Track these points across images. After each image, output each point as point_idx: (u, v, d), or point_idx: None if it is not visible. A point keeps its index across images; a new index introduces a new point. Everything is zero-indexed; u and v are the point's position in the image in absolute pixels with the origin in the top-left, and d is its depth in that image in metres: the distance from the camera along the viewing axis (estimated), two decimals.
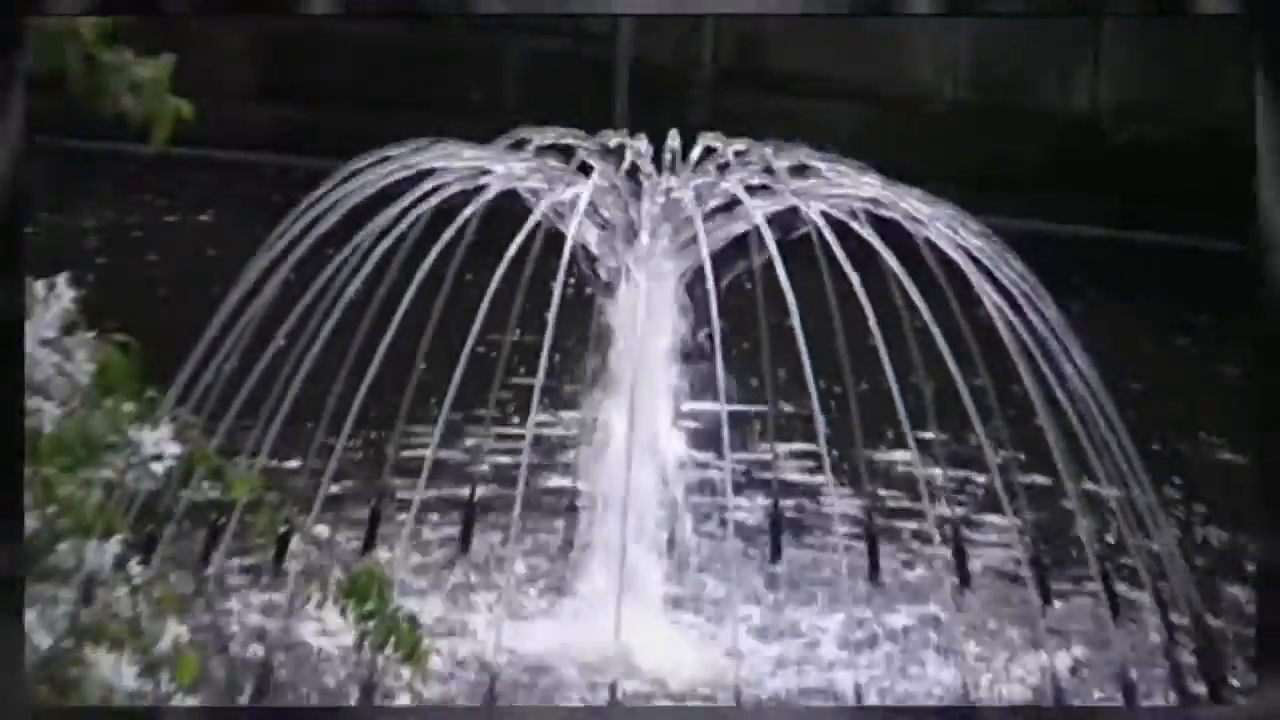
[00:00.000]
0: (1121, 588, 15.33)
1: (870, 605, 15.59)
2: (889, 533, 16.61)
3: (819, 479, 15.51)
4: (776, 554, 16.49)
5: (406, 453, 16.04)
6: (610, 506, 14.83)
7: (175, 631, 6.02)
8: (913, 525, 16.59)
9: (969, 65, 24.93)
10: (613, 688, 13.65)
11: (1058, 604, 15.76)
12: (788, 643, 15.27)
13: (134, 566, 6.13)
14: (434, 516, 16.40)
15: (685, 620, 15.31)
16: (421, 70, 23.75)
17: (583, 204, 14.34)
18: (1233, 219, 19.54)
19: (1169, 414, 18.53)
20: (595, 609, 14.73)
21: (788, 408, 16.37)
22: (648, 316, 14.66)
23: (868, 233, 14.21)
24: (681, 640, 15.06)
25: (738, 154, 14.75)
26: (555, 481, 16.96)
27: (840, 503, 15.64)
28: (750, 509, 16.88)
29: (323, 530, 13.34)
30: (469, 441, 16.93)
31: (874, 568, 16.15)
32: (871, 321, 13.66)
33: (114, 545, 5.97)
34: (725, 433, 14.51)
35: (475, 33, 24.82)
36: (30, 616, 5.81)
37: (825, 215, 14.34)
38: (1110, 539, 15.79)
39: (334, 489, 15.15)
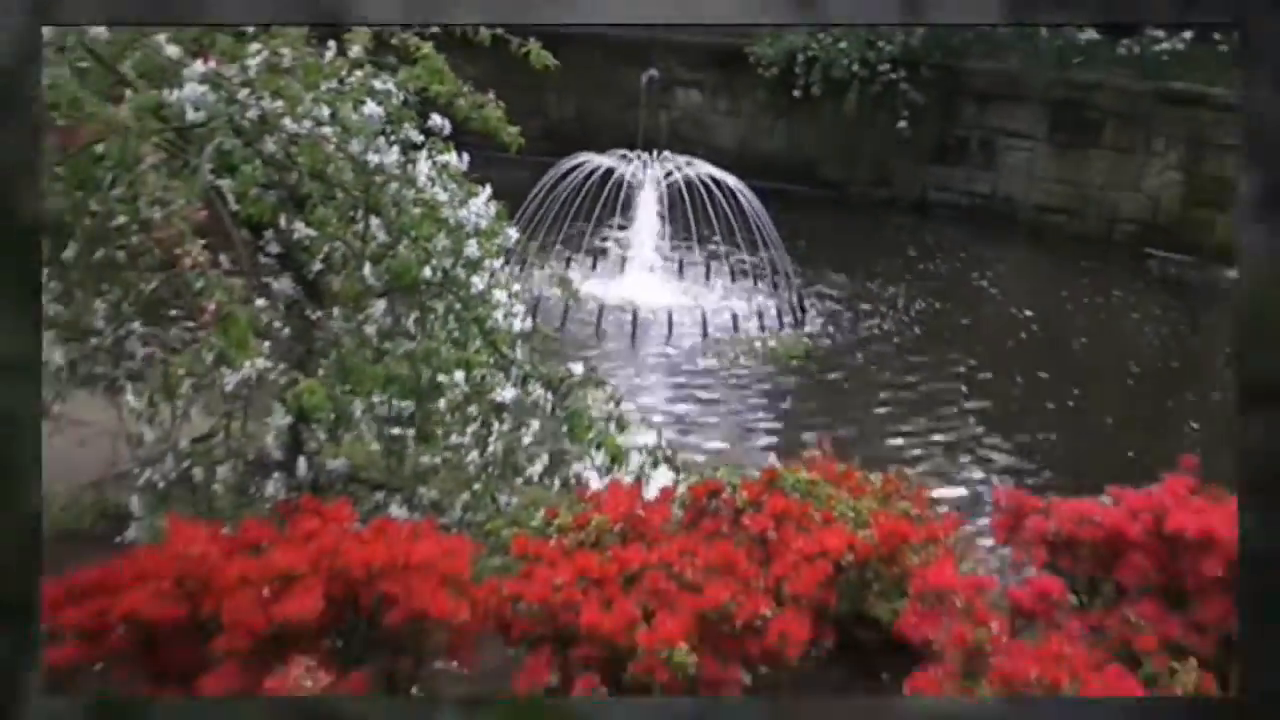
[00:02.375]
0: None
1: (708, 288, 19.07)
2: (717, 264, 19.61)
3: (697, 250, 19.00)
4: (682, 270, 19.37)
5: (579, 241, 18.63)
6: (633, 249, 19.60)
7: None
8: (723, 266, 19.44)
9: (737, 140, 24.70)
10: (635, 309, 17.59)
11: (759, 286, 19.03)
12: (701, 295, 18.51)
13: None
14: (586, 259, 19.22)
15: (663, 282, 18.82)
16: (576, 130, 23.92)
17: (629, 170, 18.62)
18: (798, 181, 24.13)
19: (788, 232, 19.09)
20: (630, 282, 18.88)
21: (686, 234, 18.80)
22: (645, 203, 19.07)
23: (709, 182, 18.11)
24: (663, 289, 18.72)
25: (672, 157, 18.90)
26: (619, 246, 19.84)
27: (699, 258, 19.37)
28: (680, 255, 19.58)
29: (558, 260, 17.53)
30: (594, 240, 19.33)
31: (707, 274, 19.44)
32: (710, 212, 17.79)
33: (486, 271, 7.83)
34: (667, 231, 19.31)
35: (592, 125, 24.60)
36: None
37: (699, 177, 18.19)
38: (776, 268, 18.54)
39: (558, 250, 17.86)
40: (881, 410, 15.35)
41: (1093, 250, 21.16)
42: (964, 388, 15.96)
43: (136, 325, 7.64)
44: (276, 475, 7.59)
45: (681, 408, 15.12)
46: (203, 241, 6.15)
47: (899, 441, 14.20)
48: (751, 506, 6.92)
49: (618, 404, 8.41)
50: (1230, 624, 6.29)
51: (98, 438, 8.37)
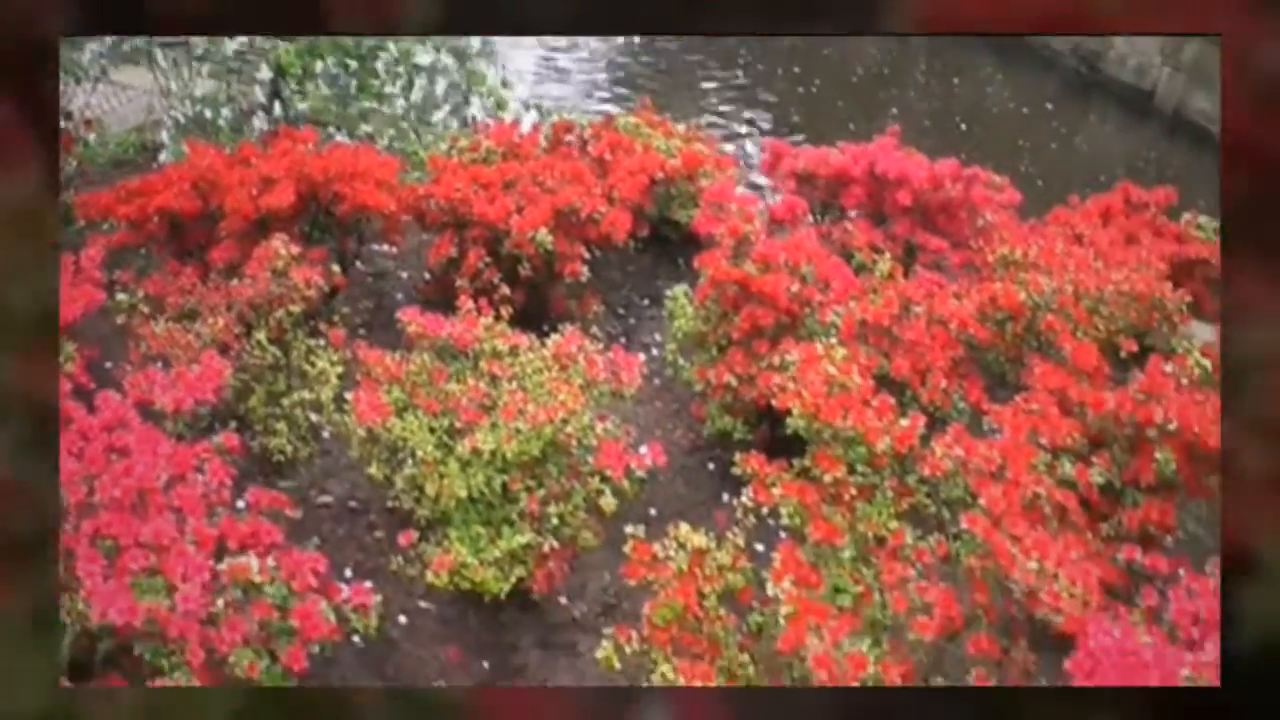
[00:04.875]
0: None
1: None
2: None
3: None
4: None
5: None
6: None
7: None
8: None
9: None
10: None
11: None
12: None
13: None
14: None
15: None
16: None
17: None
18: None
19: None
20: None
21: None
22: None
23: None
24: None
25: None
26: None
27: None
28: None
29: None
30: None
31: None
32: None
33: None
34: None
35: None
36: None
37: None
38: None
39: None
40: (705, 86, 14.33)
41: None
42: (739, 76, 15.16)
43: None
44: (261, 114, 7.59)
45: (548, 77, 13.93)
46: None
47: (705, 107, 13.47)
48: (595, 139, 6.83)
49: (502, 68, 8.44)
50: (914, 236, 6.43)
51: (140, 95, 8.48)
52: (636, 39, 15.35)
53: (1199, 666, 3.44)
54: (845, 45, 17.08)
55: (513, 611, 4.62)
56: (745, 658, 3.74)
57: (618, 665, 3.69)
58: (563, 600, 4.78)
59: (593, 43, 15.16)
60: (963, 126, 14.45)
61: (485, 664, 4.51)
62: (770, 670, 3.72)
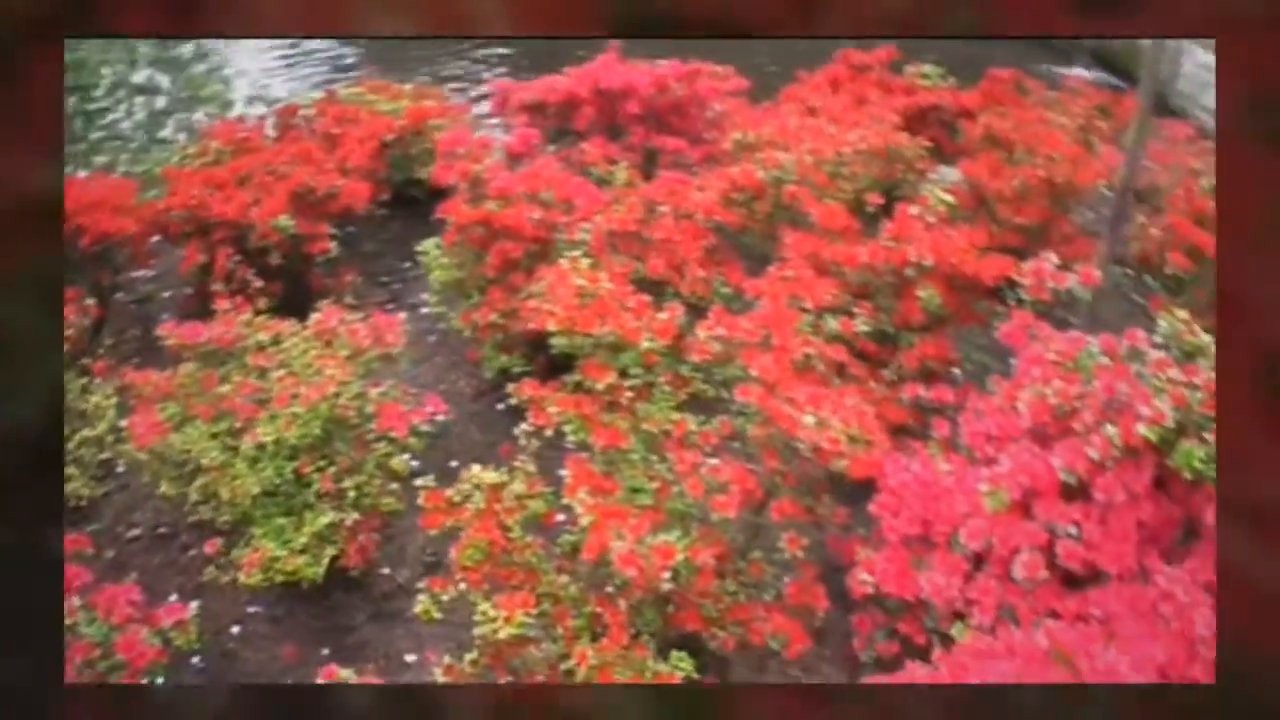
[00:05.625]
0: None
1: None
2: None
3: None
4: None
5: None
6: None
7: None
8: None
9: None
10: None
11: None
12: None
13: None
14: None
15: None
16: None
17: None
18: None
19: None
20: None
21: None
22: None
23: None
24: None
25: None
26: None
27: None
28: None
29: None
30: None
31: None
32: None
33: None
34: None
35: None
36: None
37: None
38: None
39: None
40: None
41: None
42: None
43: None
44: None
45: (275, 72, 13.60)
46: None
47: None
48: (320, 116, 6.70)
49: (224, 72, 8.27)
50: (651, 142, 6.46)
51: None
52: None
53: (996, 479, 3.65)
54: None
55: (338, 594, 4.57)
56: (564, 578, 3.74)
57: (437, 615, 3.65)
58: (384, 570, 4.74)
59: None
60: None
61: (325, 650, 4.40)
62: (593, 584, 3.72)
